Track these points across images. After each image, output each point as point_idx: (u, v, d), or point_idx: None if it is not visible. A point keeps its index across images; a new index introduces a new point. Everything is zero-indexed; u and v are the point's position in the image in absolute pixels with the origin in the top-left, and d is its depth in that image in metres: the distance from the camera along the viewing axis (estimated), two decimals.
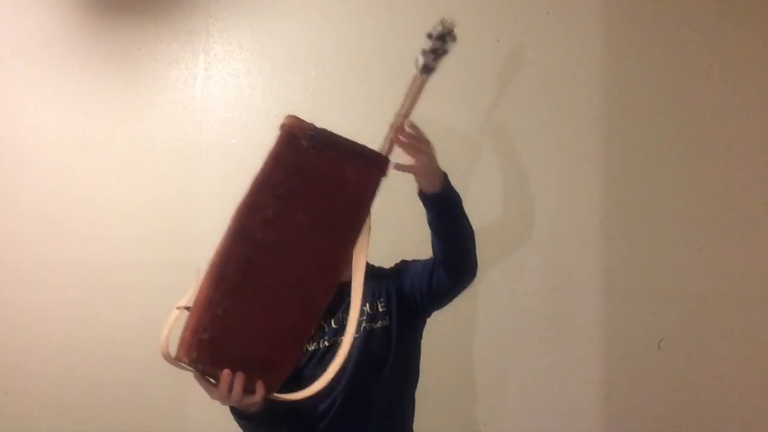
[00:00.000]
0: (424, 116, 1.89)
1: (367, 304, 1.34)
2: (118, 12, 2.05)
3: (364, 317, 1.33)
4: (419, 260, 1.40)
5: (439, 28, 1.14)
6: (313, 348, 1.31)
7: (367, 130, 1.91)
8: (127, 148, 2.02)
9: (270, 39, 1.95)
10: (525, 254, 1.81)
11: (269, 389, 1.09)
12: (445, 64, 1.91)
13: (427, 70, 1.16)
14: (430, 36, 1.14)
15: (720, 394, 1.74)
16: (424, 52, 1.14)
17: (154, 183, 1.98)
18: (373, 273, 1.42)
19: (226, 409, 1.88)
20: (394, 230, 1.78)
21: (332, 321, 1.33)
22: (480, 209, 1.84)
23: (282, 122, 1.09)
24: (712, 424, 1.74)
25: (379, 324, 1.33)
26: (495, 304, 1.81)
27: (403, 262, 1.45)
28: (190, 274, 1.92)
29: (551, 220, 1.81)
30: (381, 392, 1.33)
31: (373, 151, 1.16)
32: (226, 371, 1.06)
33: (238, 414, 1.19)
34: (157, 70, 2.02)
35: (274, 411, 1.22)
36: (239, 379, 1.06)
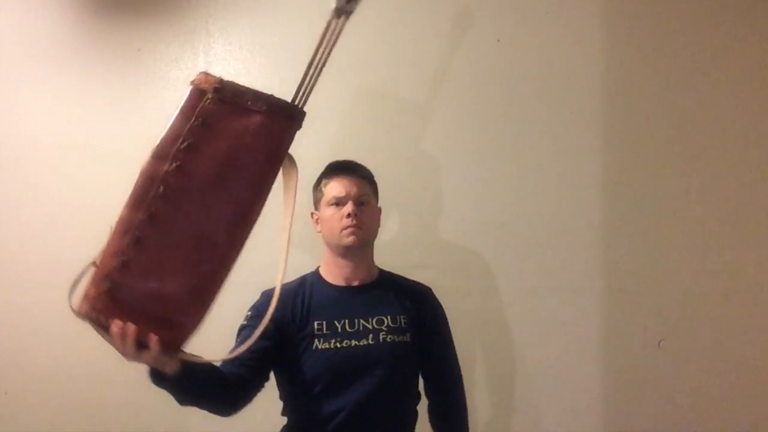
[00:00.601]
0: (424, 116, 1.90)
1: (389, 317, 1.36)
2: (118, 12, 2.05)
3: (385, 327, 1.35)
4: (445, 351, 1.46)
5: None
6: (324, 347, 1.32)
7: (367, 128, 1.92)
8: (127, 148, 2.01)
9: (270, 39, 1.95)
10: (525, 254, 1.81)
11: (166, 346, 1.06)
12: (446, 64, 1.93)
13: (340, 13, 1.06)
14: None
15: (720, 394, 1.74)
16: None
17: None
18: (397, 284, 1.45)
19: None
20: (395, 230, 1.78)
21: (346, 323, 1.34)
22: (480, 209, 1.84)
23: (192, 79, 1.11)
24: (711, 424, 1.74)
25: (399, 338, 1.36)
26: (495, 304, 1.81)
27: (433, 295, 1.49)
28: None
29: (551, 219, 1.81)
30: (392, 402, 1.35)
31: (283, 101, 1.12)
32: (116, 320, 1.05)
33: (153, 377, 1.16)
34: (157, 70, 2.02)
35: (197, 380, 1.19)
36: (131, 331, 1.04)
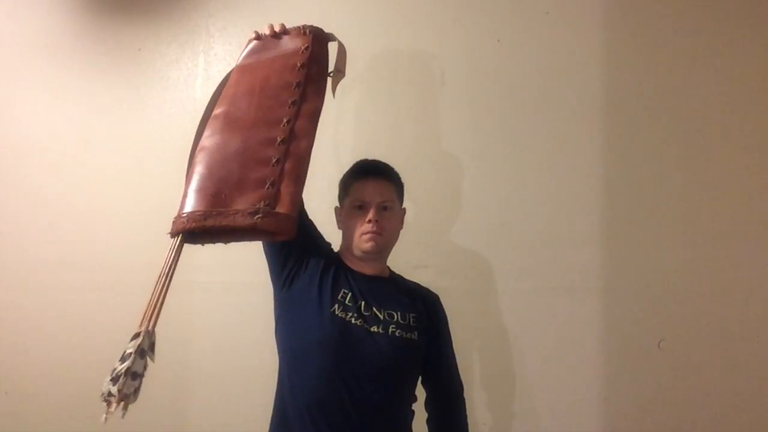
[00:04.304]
0: (423, 116, 1.90)
1: (399, 313, 1.37)
2: (118, 12, 2.05)
3: (395, 322, 1.35)
4: (447, 357, 1.47)
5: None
6: (341, 315, 1.32)
7: (366, 128, 1.92)
8: (127, 148, 2.02)
9: None
10: (525, 254, 1.81)
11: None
12: (446, 64, 1.93)
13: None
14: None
15: (720, 394, 1.74)
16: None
17: (154, 183, 1.98)
18: (407, 286, 1.48)
19: (226, 410, 1.89)
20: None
21: (363, 305, 1.34)
22: (480, 209, 1.84)
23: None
24: (711, 424, 1.74)
25: (407, 335, 1.36)
26: (495, 304, 1.81)
27: (440, 303, 1.50)
28: (190, 274, 1.93)
29: (551, 220, 1.81)
30: (389, 396, 1.35)
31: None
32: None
33: None
34: (157, 70, 2.02)
35: None
36: None
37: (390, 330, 1.34)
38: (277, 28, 1.30)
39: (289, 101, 1.17)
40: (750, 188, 1.77)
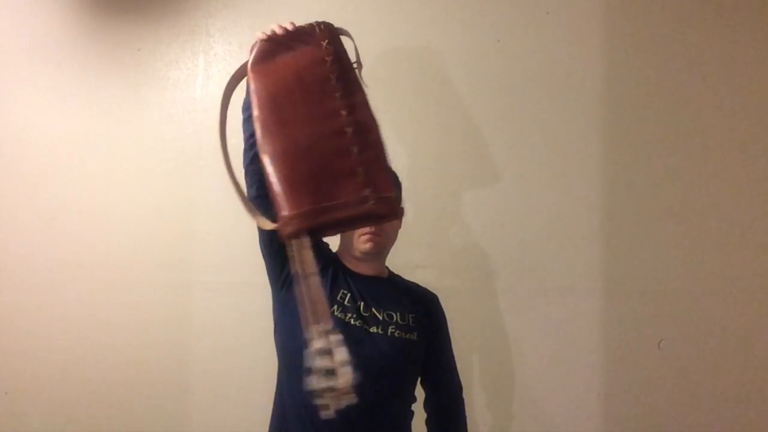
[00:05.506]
0: (423, 116, 1.90)
1: (398, 314, 1.37)
2: (118, 12, 2.05)
3: (394, 322, 1.36)
4: (446, 358, 1.49)
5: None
6: (339, 316, 1.32)
7: None
8: (127, 148, 2.01)
9: None
10: (525, 254, 1.81)
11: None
12: (446, 64, 1.93)
13: None
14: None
15: (720, 394, 1.74)
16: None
17: (153, 183, 1.98)
18: (405, 286, 1.48)
19: (226, 410, 1.89)
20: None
21: (362, 305, 1.35)
22: (480, 209, 1.84)
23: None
24: (712, 424, 1.74)
25: (407, 336, 1.36)
26: (495, 303, 1.81)
27: (439, 303, 1.51)
28: (190, 273, 1.93)
29: (551, 220, 1.81)
30: (390, 396, 1.35)
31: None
32: None
33: None
34: (157, 70, 2.02)
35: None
36: None
37: (389, 330, 1.34)
38: (288, 26, 1.29)
39: (336, 94, 1.19)
40: (750, 188, 1.77)
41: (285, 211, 1.09)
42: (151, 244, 1.97)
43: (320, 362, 0.99)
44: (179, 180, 1.97)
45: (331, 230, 1.17)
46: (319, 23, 1.30)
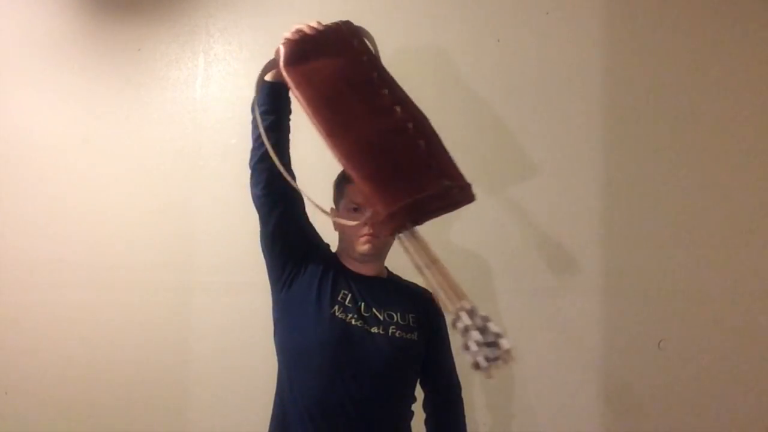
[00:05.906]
0: (424, 115, 1.90)
1: (398, 314, 1.37)
2: (118, 12, 2.05)
3: (395, 322, 1.36)
4: (446, 358, 1.48)
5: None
6: (341, 316, 1.32)
7: None
8: (127, 148, 2.02)
9: (270, 39, 1.93)
10: (525, 254, 1.81)
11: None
12: (446, 64, 1.92)
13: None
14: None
15: (720, 394, 1.74)
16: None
17: (153, 183, 1.98)
18: (404, 286, 1.48)
19: (226, 411, 1.89)
20: None
21: (363, 306, 1.34)
22: (480, 209, 1.84)
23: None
24: (711, 424, 1.74)
25: (408, 336, 1.36)
26: (495, 304, 1.81)
27: (436, 302, 1.49)
28: (190, 274, 1.93)
29: (551, 219, 1.81)
30: (390, 396, 1.35)
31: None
32: None
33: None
34: (157, 70, 2.02)
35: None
36: None
37: (390, 330, 1.34)
38: (316, 26, 1.29)
39: (383, 91, 1.21)
40: (750, 188, 1.77)
41: (382, 207, 1.10)
42: (151, 244, 1.97)
43: (476, 336, 1.02)
44: (179, 180, 1.97)
45: (426, 219, 1.17)
46: (342, 23, 1.31)
